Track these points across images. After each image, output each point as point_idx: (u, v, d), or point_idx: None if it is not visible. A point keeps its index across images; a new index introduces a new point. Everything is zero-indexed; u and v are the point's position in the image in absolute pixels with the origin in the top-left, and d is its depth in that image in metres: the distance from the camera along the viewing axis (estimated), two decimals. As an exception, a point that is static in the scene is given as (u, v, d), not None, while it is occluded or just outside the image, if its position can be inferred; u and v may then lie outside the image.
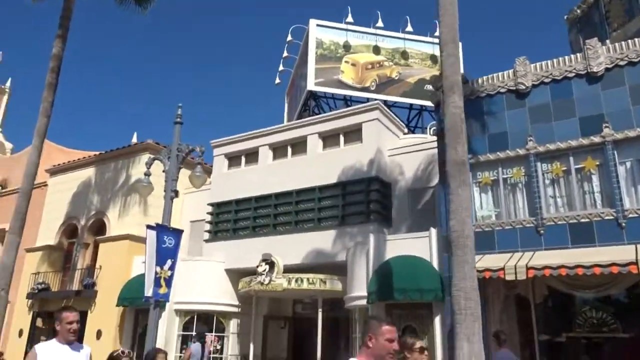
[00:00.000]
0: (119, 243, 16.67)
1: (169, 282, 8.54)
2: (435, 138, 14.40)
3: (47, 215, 19.28)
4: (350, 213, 13.88)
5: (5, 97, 29.56)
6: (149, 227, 8.75)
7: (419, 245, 11.47)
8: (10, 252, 11.96)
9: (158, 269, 8.46)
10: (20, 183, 22.08)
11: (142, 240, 16.87)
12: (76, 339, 3.92)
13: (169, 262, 8.68)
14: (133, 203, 17.16)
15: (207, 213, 16.49)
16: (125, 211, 17.23)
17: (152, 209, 16.89)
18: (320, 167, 14.69)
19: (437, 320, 10.73)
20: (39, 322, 18.04)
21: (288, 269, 13.72)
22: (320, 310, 13.42)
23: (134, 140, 19.80)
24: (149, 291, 8.41)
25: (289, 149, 15.79)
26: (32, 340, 17.74)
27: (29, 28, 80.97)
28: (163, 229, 8.78)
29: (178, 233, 9.00)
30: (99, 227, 18.04)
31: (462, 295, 6.16)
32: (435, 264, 11.13)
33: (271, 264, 13.58)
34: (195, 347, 13.60)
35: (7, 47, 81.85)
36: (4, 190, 22.54)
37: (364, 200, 13.73)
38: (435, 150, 13.51)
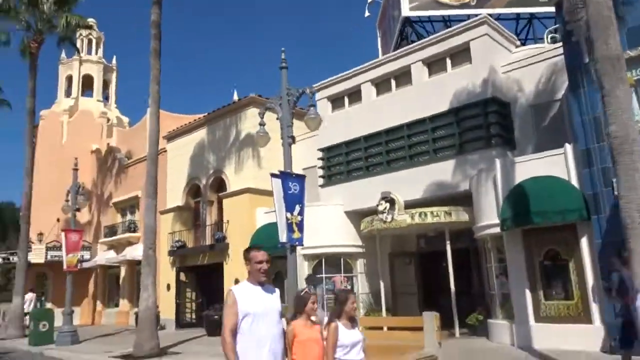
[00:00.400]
0: (239, 197, 17.41)
1: (300, 226, 8.61)
2: (555, 45, 12.95)
3: (172, 179, 20.60)
4: (468, 140, 13.10)
5: (114, 75, 31.61)
6: (273, 175, 8.84)
7: (552, 165, 10.53)
8: (150, 214, 12.91)
9: (288, 215, 8.52)
10: (143, 152, 23.76)
11: (260, 192, 17.55)
12: (269, 280, 3.84)
13: (297, 207, 8.71)
14: (247, 157, 17.70)
15: (318, 159, 16.54)
16: (240, 166, 17.84)
17: (265, 161, 17.31)
18: (428, 96, 13.91)
19: (584, 242, 9.90)
20: (182, 277, 19.70)
21: (408, 205, 13.43)
22: (447, 242, 13.08)
23: (235, 97, 20.23)
24: (283, 237, 8.56)
25: (393, 82, 15.11)
26: (179, 293, 19.53)
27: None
28: (287, 176, 8.81)
29: (301, 178, 8.99)
30: (219, 184, 18.97)
31: (633, 207, 5.42)
32: (574, 183, 10.17)
33: (391, 202, 13.36)
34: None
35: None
36: (130, 161, 24.44)
37: (482, 124, 12.84)
38: (558, 59, 12.17)
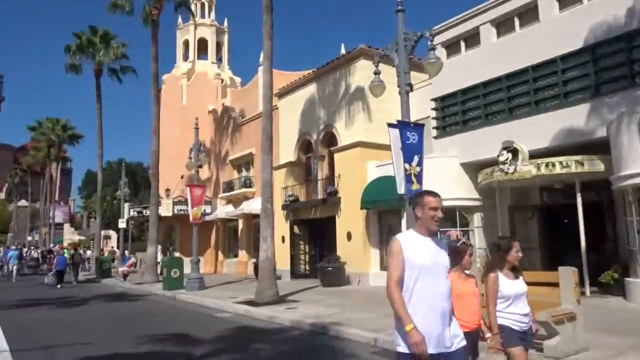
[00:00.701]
0: (350, 151, 17.33)
1: (419, 177, 8.24)
2: None
3: (284, 135, 21.04)
4: (606, 80, 11.63)
5: (226, 37, 32.71)
6: (390, 125, 8.50)
7: None
8: (267, 169, 13.28)
9: (407, 165, 8.16)
10: (255, 111, 24.52)
11: (371, 145, 17.32)
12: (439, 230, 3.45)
13: (416, 158, 8.31)
14: (357, 111, 17.44)
15: (432, 109, 15.81)
16: (351, 120, 17.67)
17: (376, 114, 16.95)
18: (558, 33, 12.47)
19: None
20: (296, 229, 20.34)
21: (532, 155, 12.40)
22: (578, 195, 11.93)
23: (343, 51, 19.87)
24: (401, 189, 8.28)
25: (516, 21, 13.77)
26: (293, 245, 20.24)
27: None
28: (405, 126, 8.41)
29: (420, 128, 8.55)
30: (330, 139, 19.02)
31: None
32: None
33: (514, 152, 12.42)
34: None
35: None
36: (243, 120, 25.38)
37: (624, 61, 11.30)
38: None
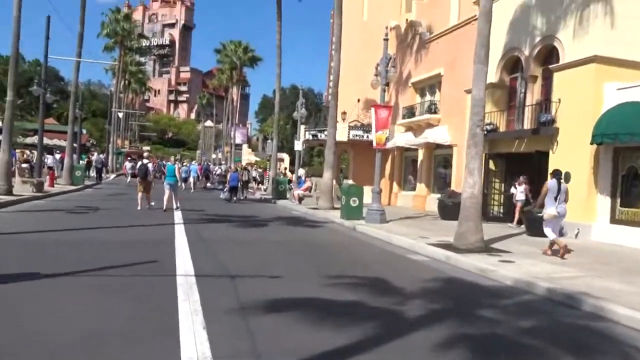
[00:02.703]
0: (580, 70, 13.50)
1: None
2: None
3: (482, 52, 17.68)
4: None
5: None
6: None
7: None
8: (479, 83, 10.57)
9: None
10: (444, 25, 21.23)
11: (612, 62, 13.10)
12: None
13: None
14: (593, 16, 13.37)
15: None
16: (582, 29, 13.65)
17: (622, 19, 12.81)
18: None
19: None
20: (491, 164, 17.38)
21: None
22: None
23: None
24: None
25: None
26: (486, 183, 17.33)
27: None
28: None
29: None
30: (546, 55, 15.27)
31: None
32: None
33: None
34: None
35: None
36: (431, 36, 22.28)
37: None
38: None
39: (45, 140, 43.99)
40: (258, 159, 64.23)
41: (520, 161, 16.17)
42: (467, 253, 9.73)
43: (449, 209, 16.86)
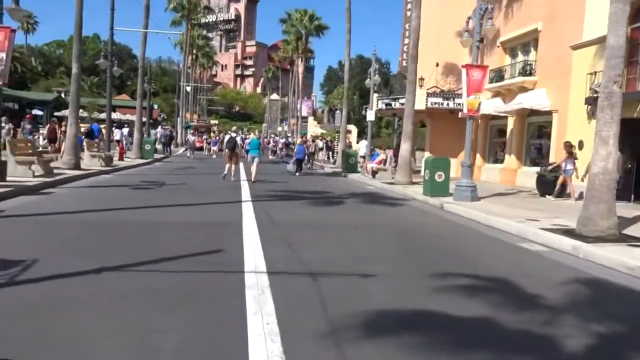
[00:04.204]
0: None
1: None
2: None
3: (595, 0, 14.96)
4: None
5: None
6: None
7: None
8: (620, 28, 8.39)
9: None
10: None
11: None
12: None
13: None
14: None
15: None
16: None
17: None
18: None
19: None
20: (604, 132, 14.79)
21: None
22: None
23: None
24: None
25: None
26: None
27: None
28: None
29: None
30: (685, -3, 12.39)
31: None
32: None
33: None
34: None
35: None
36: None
37: None
38: None
39: (119, 116, 45.05)
40: (324, 131, 62.87)
41: (644, 128, 13.55)
42: (599, 243, 7.72)
43: (551, 185, 14.63)
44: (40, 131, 26.03)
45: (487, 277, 5.74)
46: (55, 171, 14.36)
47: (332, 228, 8.80)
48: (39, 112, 41.37)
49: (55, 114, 33.09)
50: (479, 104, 13.27)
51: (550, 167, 15.15)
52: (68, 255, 5.83)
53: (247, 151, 18.07)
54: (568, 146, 14.51)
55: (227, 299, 4.48)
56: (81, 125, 27.28)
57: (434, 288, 5.12)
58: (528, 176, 17.67)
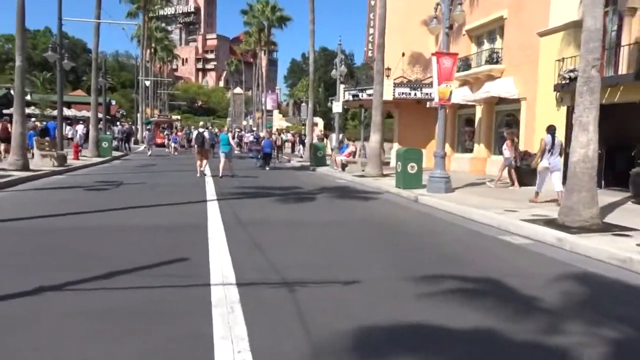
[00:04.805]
0: None
1: None
2: None
3: (561, -15, 14.82)
4: None
5: None
6: None
7: None
8: (596, 9, 7.98)
9: None
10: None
11: None
12: None
13: None
14: None
15: None
16: None
17: None
18: None
19: None
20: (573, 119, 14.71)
21: None
22: None
23: None
24: None
25: None
26: (567, 140, 14.75)
27: None
28: None
29: None
30: (652, -19, 12.33)
31: None
32: None
33: None
34: None
35: None
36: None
37: None
38: None
39: (74, 113, 43.01)
40: (290, 124, 62.06)
41: (615, 114, 13.47)
42: (583, 233, 7.43)
43: (523, 173, 14.46)
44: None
45: (475, 278, 5.29)
46: None
47: (305, 227, 8.22)
48: (-13, 111, 38.97)
49: (5, 111, 31.16)
50: (450, 93, 12.91)
51: (520, 156, 14.99)
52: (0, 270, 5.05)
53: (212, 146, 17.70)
54: (510, 134, 15.04)
55: (190, 320, 3.84)
56: (36, 123, 25.79)
57: (420, 294, 4.62)
58: (498, 165, 17.50)
